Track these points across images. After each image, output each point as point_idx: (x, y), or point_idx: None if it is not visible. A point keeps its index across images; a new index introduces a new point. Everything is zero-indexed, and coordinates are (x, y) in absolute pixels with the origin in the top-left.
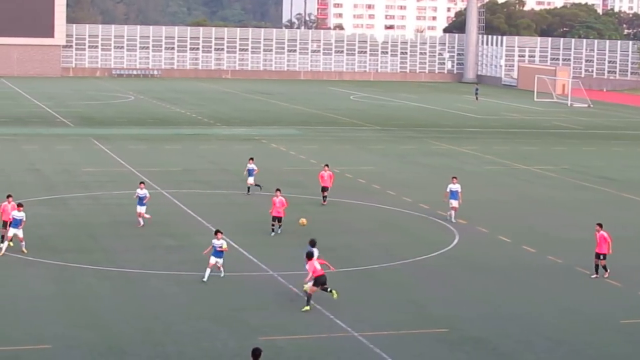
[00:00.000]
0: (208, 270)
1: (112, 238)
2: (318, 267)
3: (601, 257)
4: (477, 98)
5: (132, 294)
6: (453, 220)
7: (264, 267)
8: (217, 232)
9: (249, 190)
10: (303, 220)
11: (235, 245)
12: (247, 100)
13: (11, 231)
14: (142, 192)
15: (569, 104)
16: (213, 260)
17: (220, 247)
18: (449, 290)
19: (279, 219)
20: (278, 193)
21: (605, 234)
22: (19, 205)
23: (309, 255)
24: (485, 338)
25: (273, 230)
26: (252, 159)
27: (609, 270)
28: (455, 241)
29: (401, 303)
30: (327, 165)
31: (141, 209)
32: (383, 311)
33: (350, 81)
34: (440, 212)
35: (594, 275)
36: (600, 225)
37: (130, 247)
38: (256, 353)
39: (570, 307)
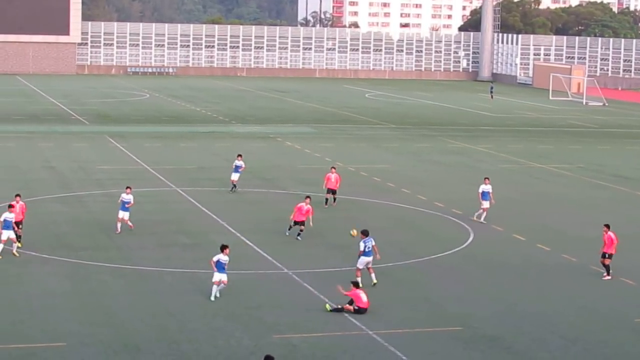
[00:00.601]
0: (215, 288)
1: (127, 236)
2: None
3: (606, 255)
4: (492, 96)
5: (146, 291)
6: (482, 220)
7: (279, 265)
8: (224, 247)
9: (234, 188)
10: (354, 232)
11: (250, 243)
12: (262, 98)
13: (4, 234)
14: (128, 197)
15: (584, 103)
16: (217, 277)
17: (226, 263)
18: (463, 289)
19: (302, 223)
20: (308, 200)
21: (612, 235)
22: (10, 206)
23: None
24: (500, 336)
25: (289, 228)
26: (240, 155)
27: (610, 275)
28: (470, 239)
29: (416, 301)
30: (334, 168)
31: (123, 214)
32: (397, 309)
33: (365, 79)
34: (455, 210)
35: (606, 277)
36: (607, 226)
37: (145, 245)
38: None
39: (584, 306)
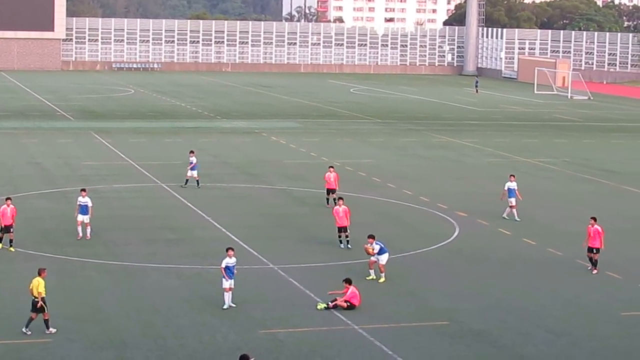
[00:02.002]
0: (227, 296)
1: (112, 231)
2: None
3: (594, 251)
4: (477, 90)
5: (132, 287)
6: (517, 218)
7: (264, 260)
8: (228, 249)
9: (186, 183)
10: (368, 249)
11: (236, 239)
12: (247, 93)
13: None
14: (84, 200)
15: (569, 97)
16: (227, 284)
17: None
18: (449, 283)
19: (345, 229)
20: (341, 202)
21: (599, 228)
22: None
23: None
24: (486, 330)
25: (341, 241)
26: (192, 151)
27: (598, 269)
28: (456, 234)
29: (401, 296)
30: (332, 167)
31: (83, 217)
32: (383, 304)
33: (350, 74)
34: (441, 204)
35: (594, 270)
36: (594, 218)
37: (130, 241)
38: (243, 359)
39: (570, 300)
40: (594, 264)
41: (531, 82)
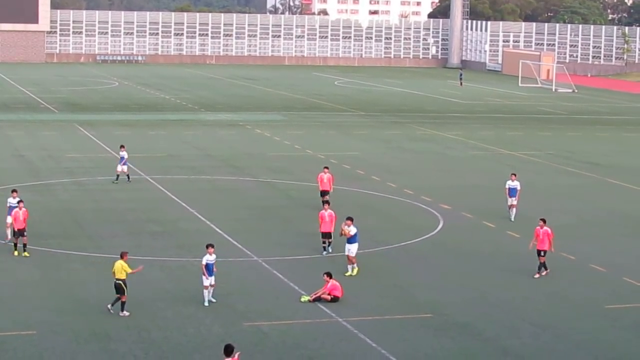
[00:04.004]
0: (206, 293)
1: (97, 224)
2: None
3: (542, 253)
4: (461, 83)
5: None
6: (512, 219)
7: (248, 252)
8: (207, 246)
9: (117, 178)
10: (345, 230)
11: (220, 231)
12: (231, 86)
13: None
14: (14, 201)
15: (553, 89)
16: (207, 281)
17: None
18: (433, 276)
19: (329, 235)
20: (327, 206)
21: (549, 230)
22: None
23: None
24: (470, 323)
25: (325, 248)
26: (123, 146)
27: (548, 269)
28: (440, 226)
29: (386, 288)
30: (327, 168)
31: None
32: (367, 297)
33: (334, 66)
34: (425, 197)
35: (537, 275)
36: (544, 220)
37: (115, 233)
38: (228, 350)
39: (555, 293)
40: (541, 267)
41: (516, 74)
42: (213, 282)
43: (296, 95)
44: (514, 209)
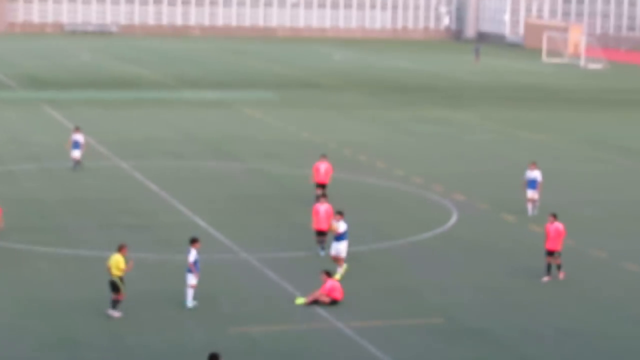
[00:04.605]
0: (191, 292)
1: (65, 216)
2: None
3: (554, 254)
4: (477, 58)
5: (87, 278)
6: (530, 213)
7: (236, 249)
8: (193, 241)
9: (77, 165)
10: (333, 226)
11: (204, 225)
12: (217, 61)
13: None
14: None
15: (581, 65)
16: (195, 280)
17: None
18: (445, 276)
19: (324, 234)
20: (323, 200)
21: (560, 227)
22: None
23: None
24: (487, 329)
25: (322, 248)
26: (78, 128)
27: (564, 271)
28: (453, 220)
29: (391, 290)
30: (324, 156)
31: None
32: (371, 299)
33: (334, 39)
34: (436, 187)
35: (546, 278)
36: (554, 215)
37: (85, 226)
38: (213, 359)
39: (582, 294)
40: (549, 269)
41: (539, 48)
42: (191, 283)
43: (291, 71)
44: (534, 204)
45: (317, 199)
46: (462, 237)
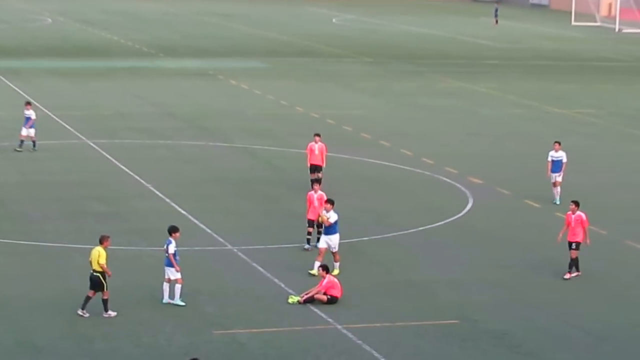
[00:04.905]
0: (177, 289)
1: (24, 202)
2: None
3: (573, 246)
4: (497, 21)
5: (49, 274)
6: (557, 201)
7: (221, 240)
8: (173, 230)
9: (22, 144)
10: (324, 218)
11: (184, 212)
12: (199, 25)
13: None
14: None
15: (616, 29)
16: (174, 274)
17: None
18: (459, 270)
19: (319, 225)
20: (317, 187)
21: (583, 216)
22: None
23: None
24: (507, 332)
25: (309, 241)
26: (29, 103)
27: (580, 271)
28: (469, 206)
29: (397, 286)
30: (318, 135)
31: None
32: (374, 297)
33: None
34: (449, 168)
35: (567, 275)
36: (576, 203)
37: (48, 215)
38: None
39: (615, 292)
40: (572, 265)
41: (567, 10)
42: (173, 277)
43: (283, 36)
44: (559, 188)
45: (312, 184)
46: (479, 226)
